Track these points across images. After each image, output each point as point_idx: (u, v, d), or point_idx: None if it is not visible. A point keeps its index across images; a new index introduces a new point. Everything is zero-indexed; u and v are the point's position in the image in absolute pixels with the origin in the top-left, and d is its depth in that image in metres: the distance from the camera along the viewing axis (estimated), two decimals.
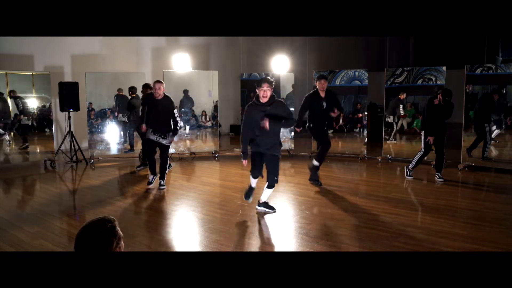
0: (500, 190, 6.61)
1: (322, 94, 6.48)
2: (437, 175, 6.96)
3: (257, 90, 4.97)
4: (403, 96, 9.01)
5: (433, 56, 17.52)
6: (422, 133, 7.08)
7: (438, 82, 8.46)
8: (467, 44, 16.76)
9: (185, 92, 9.64)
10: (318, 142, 7.04)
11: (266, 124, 4.79)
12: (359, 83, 9.38)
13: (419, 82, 8.75)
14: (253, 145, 5.11)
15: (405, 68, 9.04)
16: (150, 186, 6.64)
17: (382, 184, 6.90)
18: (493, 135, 8.05)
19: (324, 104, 6.46)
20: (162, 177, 6.63)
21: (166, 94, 6.50)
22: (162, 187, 6.57)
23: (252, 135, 5.05)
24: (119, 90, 9.35)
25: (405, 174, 7.19)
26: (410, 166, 7.16)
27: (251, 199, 5.44)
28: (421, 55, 18.75)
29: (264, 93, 4.89)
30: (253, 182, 5.39)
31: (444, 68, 8.52)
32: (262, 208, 5.35)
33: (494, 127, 8.01)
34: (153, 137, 6.49)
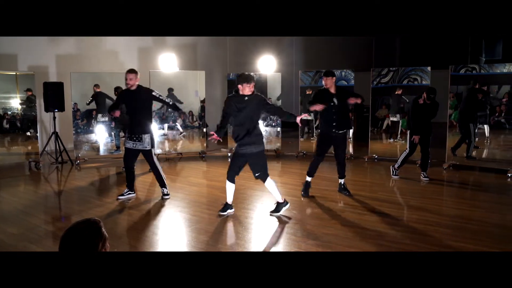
0: (484, 189, 6.71)
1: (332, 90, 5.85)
2: (423, 174, 7.04)
3: (240, 86, 4.93)
4: (400, 91, 8.99)
5: (418, 56, 17.70)
6: (408, 132, 7.17)
7: (424, 82, 8.55)
8: (451, 44, 16.97)
9: (170, 90, 9.55)
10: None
11: None
12: (346, 83, 9.43)
13: (405, 82, 8.83)
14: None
15: (391, 68, 9.11)
16: (120, 197, 6.00)
17: (369, 184, 6.95)
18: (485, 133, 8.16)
19: (335, 100, 5.82)
20: (162, 185, 6.07)
21: (141, 85, 5.90)
22: (166, 197, 6.01)
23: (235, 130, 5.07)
24: (96, 86, 9.06)
25: (391, 173, 7.25)
26: (396, 166, 7.23)
27: (227, 213, 5.27)
28: (407, 55, 18.92)
29: (250, 89, 4.93)
30: (230, 191, 5.27)
31: (429, 68, 8.62)
32: (279, 213, 5.23)
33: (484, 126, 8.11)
34: (129, 144, 5.84)
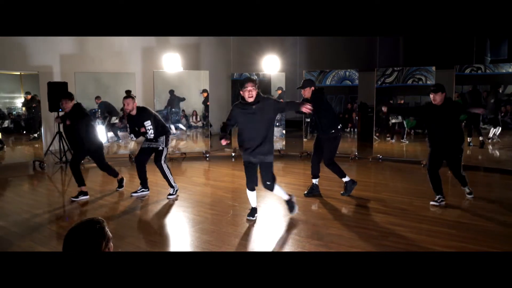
0: (488, 189, 6.68)
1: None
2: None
3: (241, 92, 4.73)
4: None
5: (423, 56, 17.65)
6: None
7: (428, 82, 8.51)
8: (456, 44, 16.91)
9: (171, 92, 9.57)
10: None
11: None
12: (350, 83, 9.41)
13: (409, 82, 8.80)
14: (244, 152, 4.85)
15: (395, 68, 9.08)
16: (134, 194, 6.23)
17: (373, 184, 6.92)
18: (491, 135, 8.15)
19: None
20: (169, 185, 6.19)
21: (140, 106, 6.09)
22: (170, 196, 6.10)
23: (240, 140, 4.84)
24: (98, 98, 9.17)
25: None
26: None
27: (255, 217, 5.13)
28: (411, 55, 18.88)
29: (250, 93, 4.65)
30: (252, 197, 5.11)
31: (433, 68, 8.59)
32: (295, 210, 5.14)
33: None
34: (144, 144, 6.17)
